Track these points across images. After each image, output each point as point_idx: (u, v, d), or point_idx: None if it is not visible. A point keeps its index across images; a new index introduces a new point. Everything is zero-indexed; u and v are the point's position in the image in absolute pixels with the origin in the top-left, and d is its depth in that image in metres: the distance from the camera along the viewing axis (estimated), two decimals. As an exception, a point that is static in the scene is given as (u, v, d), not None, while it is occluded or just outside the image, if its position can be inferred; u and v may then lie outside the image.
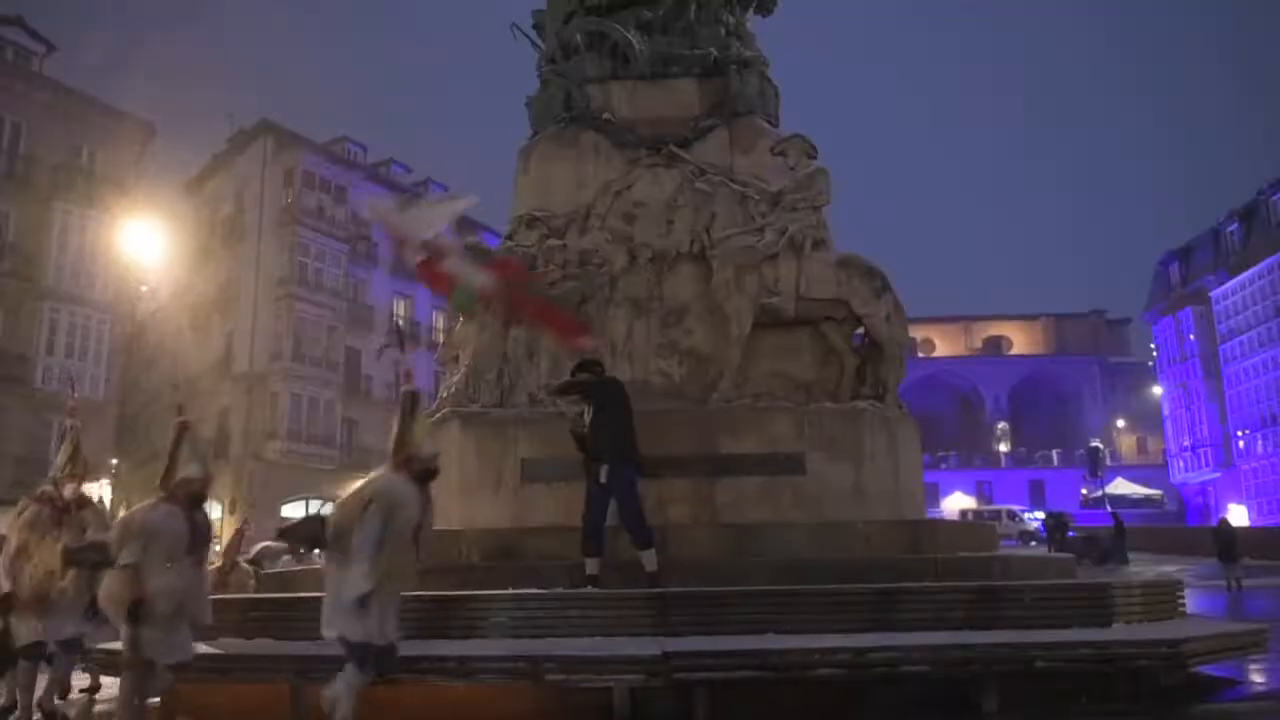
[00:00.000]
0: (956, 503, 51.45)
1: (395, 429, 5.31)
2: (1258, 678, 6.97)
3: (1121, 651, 5.89)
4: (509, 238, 9.86)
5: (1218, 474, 48.54)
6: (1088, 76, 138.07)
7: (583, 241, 9.30)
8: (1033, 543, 30.42)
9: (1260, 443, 45.14)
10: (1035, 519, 37.68)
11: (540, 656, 5.57)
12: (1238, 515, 45.95)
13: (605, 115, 10.04)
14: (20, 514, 6.27)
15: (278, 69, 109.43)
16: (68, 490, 6.43)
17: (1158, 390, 54.48)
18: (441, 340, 11.18)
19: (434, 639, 5.95)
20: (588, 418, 7.02)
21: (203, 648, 6.19)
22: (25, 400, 27.44)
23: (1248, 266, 46.09)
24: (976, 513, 41.67)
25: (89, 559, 5.66)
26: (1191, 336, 50.91)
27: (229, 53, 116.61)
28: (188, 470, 5.37)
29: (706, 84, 10.28)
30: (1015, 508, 43.51)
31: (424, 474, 5.22)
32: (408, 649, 5.52)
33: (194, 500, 5.33)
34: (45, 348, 28.57)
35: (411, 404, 5.40)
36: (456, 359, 9.89)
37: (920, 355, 60.31)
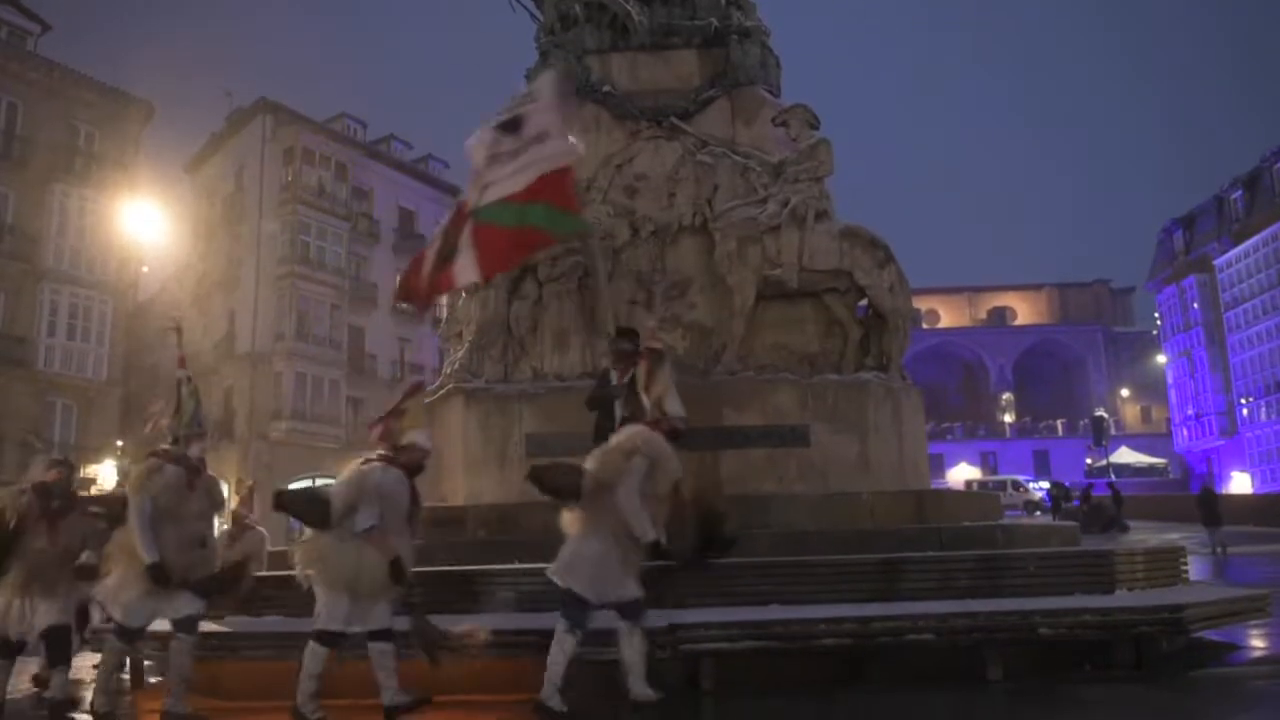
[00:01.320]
0: (961, 474, 51.55)
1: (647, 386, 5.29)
2: (1259, 643, 7.01)
3: (1124, 618, 5.92)
4: (510, 213, 9.80)
5: (1221, 442, 48.58)
6: (1090, 46, 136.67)
7: (584, 214, 9.23)
8: (1038, 513, 30.53)
9: (1264, 410, 45.12)
10: (1040, 489, 37.79)
11: (548, 631, 5.60)
12: (1241, 482, 46.09)
13: (605, 87, 9.95)
14: (150, 474, 5.41)
15: (275, 46, 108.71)
16: (194, 450, 5.73)
17: (1161, 359, 54.43)
18: (445, 316, 11.16)
19: (439, 614, 5.97)
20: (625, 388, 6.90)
21: (212, 625, 6.25)
22: (28, 382, 27.52)
23: (1251, 234, 45.85)
24: (981, 483, 41.76)
25: (311, 513, 5.19)
26: (1195, 305, 50.75)
27: (226, 31, 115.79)
28: (414, 438, 5.35)
29: (707, 55, 10.18)
30: (1020, 478, 43.62)
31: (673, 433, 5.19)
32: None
33: (415, 470, 5.29)
34: (46, 329, 28.60)
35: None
36: (460, 335, 9.87)
37: (924, 326, 60.26)
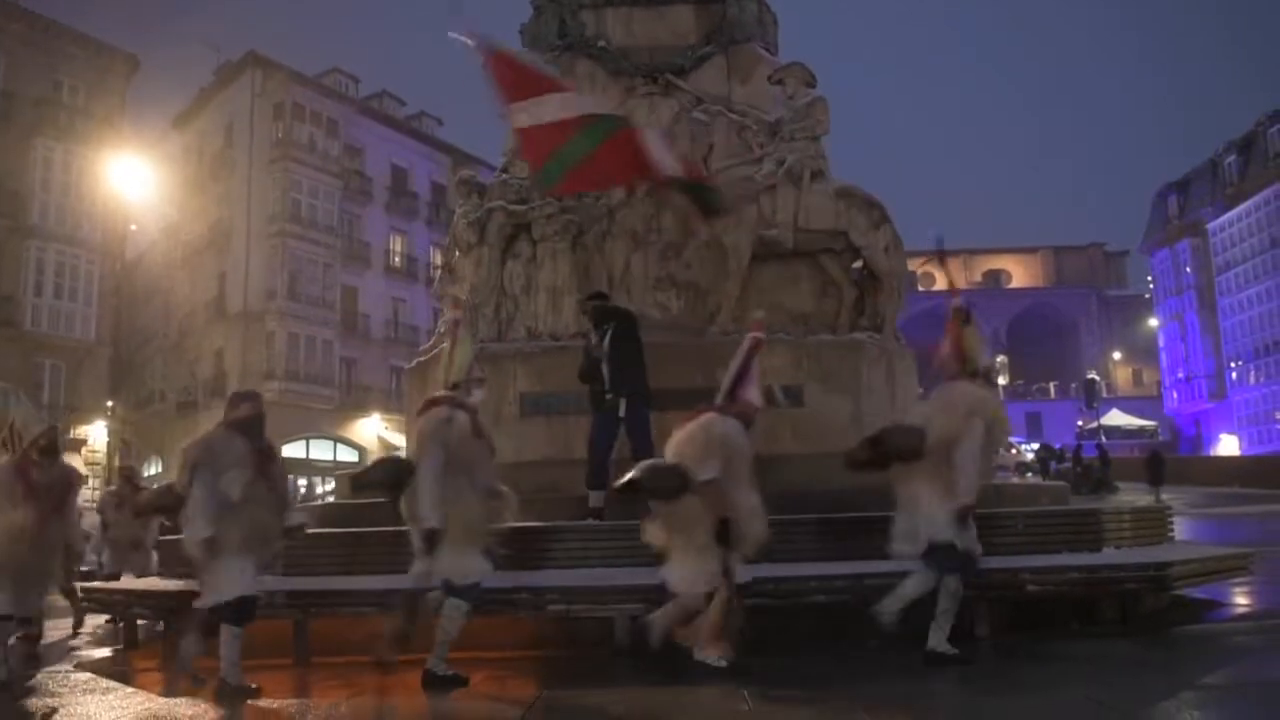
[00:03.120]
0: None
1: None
2: (1241, 600, 7.13)
3: (1110, 575, 6.00)
4: (504, 170, 9.73)
5: (1210, 405, 48.98)
6: (1087, 9, 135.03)
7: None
8: (1029, 474, 30.86)
9: (1252, 373, 45.44)
10: (1031, 450, 38.13)
11: (542, 587, 5.66)
12: (1229, 445, 46.54)
13: (600, 43, 9.81)
14: (444, 423, 4.92)
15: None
16: (476, 396, 5.36)
17: (1153, 322, 54.63)
18: (438, 275, 11.10)
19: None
20: (606, 347, 6.93)
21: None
22: (15, 343, 27.36)
23: (1245, 198, 45.80)
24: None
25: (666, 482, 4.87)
26: (1188, 269, 50.83)
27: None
28: (751, 394, 5.27)
29: (703, 10, 10.03)
30: (1012, 440, 43.91)
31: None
32: (407, 583, 5.58)
33: (748, 423, 5.16)
34: (33, 289, 28.36)
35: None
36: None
37: (920, 289, 60.19)
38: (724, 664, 4.83)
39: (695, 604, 4.84)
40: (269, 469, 5.11)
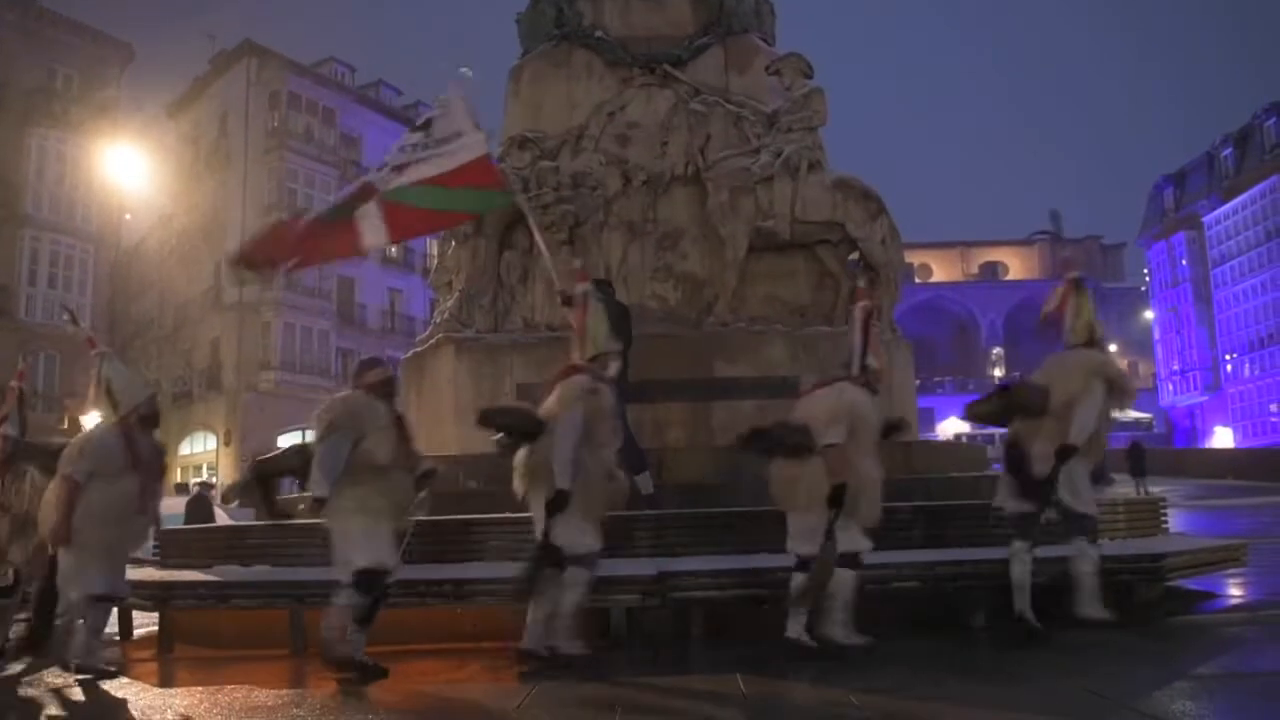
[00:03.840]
0: (951, 428, 51.87)
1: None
2: (1234, 591, 7.15)
3: (1105, 566, 6.00)
4: (501, 160, 9.68)
5: (1205, 397, 49.09)
6: (1084, 1, 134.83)
7: (575, 163, 9.14)
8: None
9: (1247, 366, 45.56)
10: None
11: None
12: (1223, 437, 46.68)
13: (597, 33, 9.76)
14: (589, 393, 4.93)
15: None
16: (613, 369, 5.34)
17: (1149, 315, 54.69)
18: (434, 265, 11.08)
19: (432, 563, 6.03)
20: None
21: (201, 575, 6.29)
22: (10, 332, 27.29)
23: (1241, 191, 45.83)
24: (970, 437, 42.13)
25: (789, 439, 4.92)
26: (1184, 261, 50.89)
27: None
28: (874, 361, 5.25)
29: (701, 1, 9.98)
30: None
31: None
32: (408, 572, 5.59)
33: (875, 390, 5.19)
34: (28, 278, 28.29)
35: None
36: (450, 284, 9.80)
37: (916, 281, 60.21)
38: (815, 643, 4.86)
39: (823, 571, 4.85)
40: (408, 434, 5.03)
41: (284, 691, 4.74)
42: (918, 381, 8.66)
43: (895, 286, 9.13)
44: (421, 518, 5.47)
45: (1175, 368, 51.86)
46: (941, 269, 65.10)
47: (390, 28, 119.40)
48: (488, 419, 5.13)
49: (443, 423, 8.72)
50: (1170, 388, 52.38)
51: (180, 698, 4.65)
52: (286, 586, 5.88)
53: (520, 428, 4.99)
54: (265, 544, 6.80)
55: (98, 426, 5.52)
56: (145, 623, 6.83)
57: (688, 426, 8.29)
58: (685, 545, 6.19)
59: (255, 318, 32.52)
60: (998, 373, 59.20)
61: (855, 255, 9.10)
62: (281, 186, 33.08)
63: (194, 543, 7.44)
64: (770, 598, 5.53)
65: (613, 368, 5.29)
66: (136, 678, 5.26)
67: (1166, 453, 40.53)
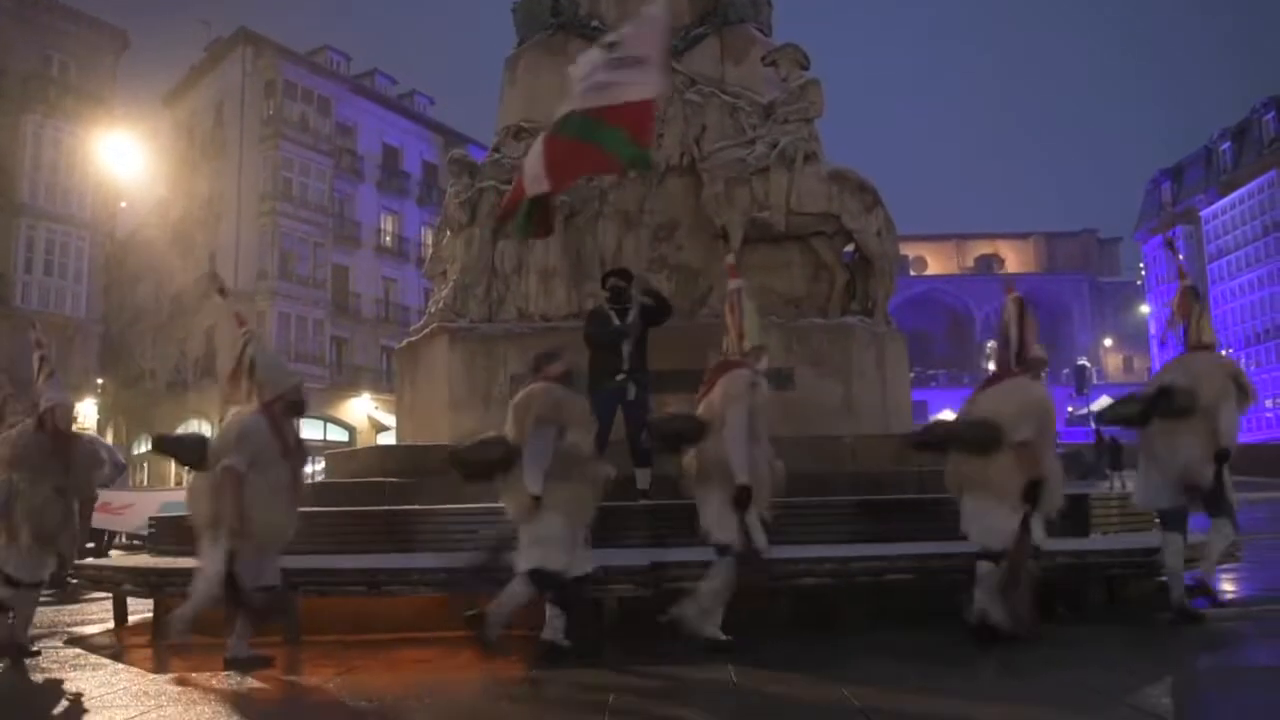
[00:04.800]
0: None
1: None
2: (1227, 586, 7.16)
3: (1097, 560, 6.04)
4: (496, 149, 9.67)
5: (1200, 392, 49.15)
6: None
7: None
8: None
9: (1244, 361, 45.62)
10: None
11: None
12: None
13: (594, 23, 9.73)
14: (752, 387, 5.02)
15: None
16: (764, 363, 5.37)
17: (1145, 309, 54.78)
18: (429, 255, 11.05)
19: (426, 551, 6.03)
20: (635, 324, 6.83)
21: (191, 562, 6.27)
22: (4, 320, 27.19)
23: (1238, 186, 45.88)
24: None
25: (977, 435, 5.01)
26: (1180, 255, 50.95)
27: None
28: (1039, 351, 5.33)
29: (698, -9, 9.94)
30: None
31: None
32: (401, 561, 5.60)
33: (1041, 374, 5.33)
34: (23, 266, 28.18)
35: None
36: (444, 274, 9.80)
37: (912, 274, 60.24)
38: (1011, 627, 4.92)
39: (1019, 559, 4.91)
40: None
41: (277, 677, 4.75)
42: (912, 374, 8.65)
43: (890, 278, 9.12)
44: (413, 506, 5.48)
45: (1170, 362, 51.92)
46: (937, 262, 65.15)
47: (386, 16, 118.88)
48: (662, 436, 5.22)
49: (438, 411, 8.72)
50: (1165, 382, 52.42)
51: (174, 684, 4.65)
52: (282, 575, 5.87)
53: (687, 435, 5.07)
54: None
55: (242, 413, 5.12)
56: (140, 609, 6.83)
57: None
58: (678, 536, 6.19)
59: (250, 306, 32.41)
60: (992, 366, 59.34)
61: (850, 247, 9.09)
62: (277, 175, 32.97)
63: (188, 530, 7.42)
64: (763, 590, 5.54)
65: (764, 361, 5.37)
66: (131, 664, 5.27)
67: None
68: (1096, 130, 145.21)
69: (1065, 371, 52.38)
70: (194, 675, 4.76)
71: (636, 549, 6.02)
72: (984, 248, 66.51)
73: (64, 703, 4.35)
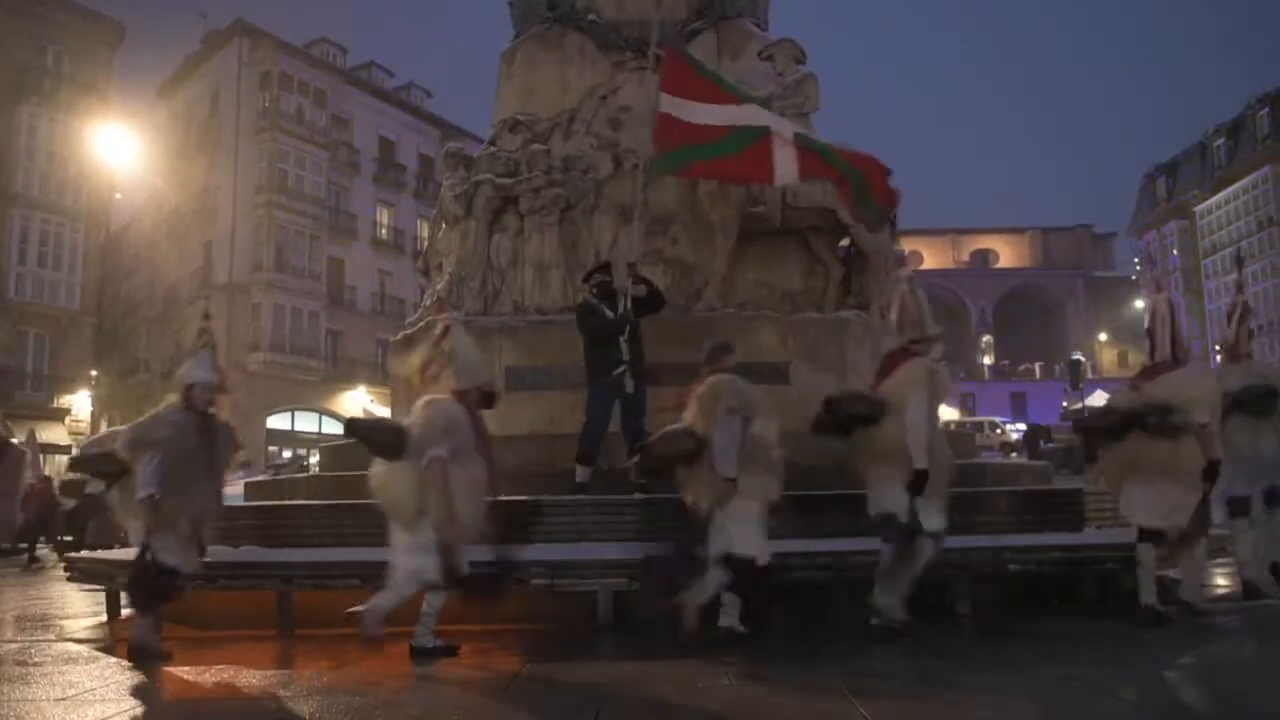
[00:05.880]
0: (941, 415, 52.09)
1: None
2: (1220, 581, 7.20)
3: (1090, 554, 6.06)
4: (491, 143, 9.64)
5: (1194, 387, 49.25)
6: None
7: (567, 146, 9.10)
8: (1014, 454, 31.07)
9: (1238, 357, 45.75)
10: (1017, 430, 38.40)
11: (526, 561, 5.66)
12: (1211, 427, 46.85)
13: (590, 16, 9.72)
14: (933, 375, 5.21)
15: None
16: (936, 352, 5.46)
17: (1140, 304, 54.81)
18: (424, 248, 11.04)
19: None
20: (630, 316, 6.86)
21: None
22: (-1, 311, 27.15)
23: (1233, 182, 45.93)
24: (959, 424, 42.35)
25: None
26: (1175, 251, 51.02)
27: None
28: (1186, 345, 5.71)
29: (694, -16, 9.91)
30: (996, 419, 44.19)
31: None
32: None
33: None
34: (17, 257, 28.09)
35: None
36: (440, 266, 9.77)
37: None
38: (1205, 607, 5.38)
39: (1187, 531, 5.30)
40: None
41: (271, 672, 4.75)
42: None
43: (885, 274, 9.11)
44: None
45: (1165, 357, 52.02)
46: (932, 256, 65.13)
47: (382, 9, 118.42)
48: (831, 413, 5.31)
49: (432, 406, 8.70)
50: (1159, 377, 52.56)
51: (166, 678, 4.65)
52: (274, 568, 5.88)
53: (866, 415, 5.18)
54: (254, 525, 6.80)
55: (439, 402, 4.95)
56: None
57: (677, 412, 8.25)
58: (673, 529, 6.19)
59: (245, 298, 32.38)
60: (987, 360, 59.44)
61: (846, 241, 9.08)
62: (272, 167, 32.87)
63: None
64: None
65: (937, 350, 5.45)
66: (123, 658, 5.26)
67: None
68: (1092, 126, 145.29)
69: (1059, 366, 52.49)
70: (187, 669, 4.76)
71: (633, 542, 6.01)
72: (979, 242, 66.49)
73: (55, 697, 4.34)
